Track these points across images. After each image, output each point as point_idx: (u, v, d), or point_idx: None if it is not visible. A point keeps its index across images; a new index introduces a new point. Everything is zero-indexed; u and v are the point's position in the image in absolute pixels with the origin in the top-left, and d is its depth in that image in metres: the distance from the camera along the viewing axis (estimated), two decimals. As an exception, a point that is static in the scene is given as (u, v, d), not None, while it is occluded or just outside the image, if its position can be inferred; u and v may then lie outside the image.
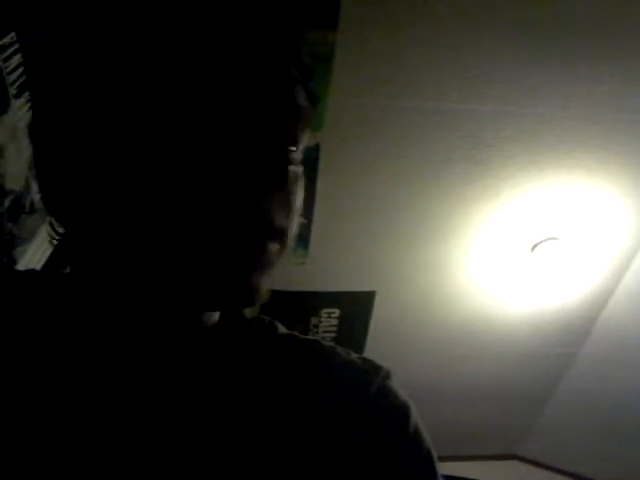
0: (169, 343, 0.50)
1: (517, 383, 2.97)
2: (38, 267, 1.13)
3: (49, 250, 1.18)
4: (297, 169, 0.48)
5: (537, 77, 1.83)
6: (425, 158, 2.06)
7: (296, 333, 0.59)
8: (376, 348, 2.64)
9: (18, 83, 0.98)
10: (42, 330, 0.49)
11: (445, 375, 2.89)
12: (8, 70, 0.94)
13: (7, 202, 1.00)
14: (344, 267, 2.42)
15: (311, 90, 0.48)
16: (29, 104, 1.03)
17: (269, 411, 0.50)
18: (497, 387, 2.98)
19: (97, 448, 0.45)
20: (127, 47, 0.42)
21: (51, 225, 0.50)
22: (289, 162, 0.46)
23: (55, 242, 0.51)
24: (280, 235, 0.45)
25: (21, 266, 1.05)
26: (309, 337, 0.59)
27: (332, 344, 0.59)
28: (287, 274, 2.40)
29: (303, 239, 2.24)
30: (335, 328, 2.64)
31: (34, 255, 1.11)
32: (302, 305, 2.55)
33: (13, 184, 1.02)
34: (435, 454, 0.54)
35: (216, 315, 0.54)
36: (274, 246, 0.45)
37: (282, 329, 0.59)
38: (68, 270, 0.53)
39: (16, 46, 0.95)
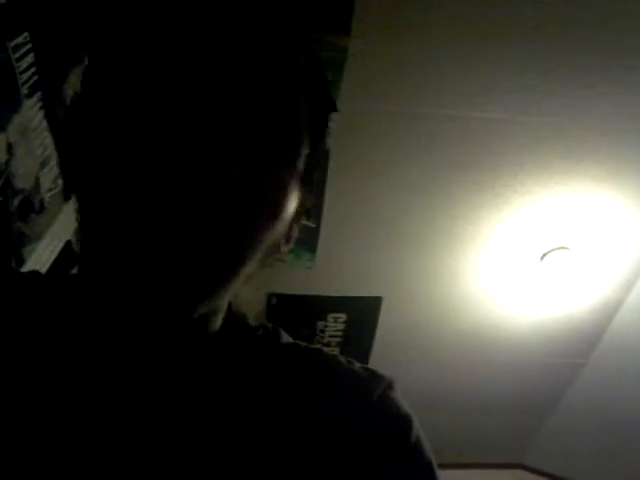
0: (170, 348, 0.50)
1: (524, 392, 2.96)
2: (46, 266, 1.14)
3: (58, 249, 1.19)
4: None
5: (546, 86, 1.83)
6: (435, 165, 2.06)
7: (299, 342, 0.59)
8: (382, 354, 2.64)
9: (30, 83, 0.99)
10: (43, 331, 0.50)
11: (452, 382, 2.88)
12: (20, 70, 0.95)
13: (17, 201, 1.01)
14: (351, 272, 2.42)
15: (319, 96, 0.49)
16: (40, 104, 1.03)
17: (269, 417, 0.50)
18: (504, 395, 2.96)
19: (97, 448, 0.45)
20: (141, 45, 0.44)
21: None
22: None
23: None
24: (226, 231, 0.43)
25: (30, 264, 1.06)
26: (312, 346, 0.59)
27: (335, 353, 0.59)
28: (294, 278, 2.40)
29: (310, 243, 2.24)
30: (342, 333, 2.64)
31: (43, 254, 1.12)
32: (309, 309, 2.56)
33: (23, 183, 1.02)
34: (436, 466, 0.53)
35: (218, 321, 0.54)
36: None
37: (286, 337, 0.59)
38: (76, 270, 0.53)
39: (29, 46, 0.96)
